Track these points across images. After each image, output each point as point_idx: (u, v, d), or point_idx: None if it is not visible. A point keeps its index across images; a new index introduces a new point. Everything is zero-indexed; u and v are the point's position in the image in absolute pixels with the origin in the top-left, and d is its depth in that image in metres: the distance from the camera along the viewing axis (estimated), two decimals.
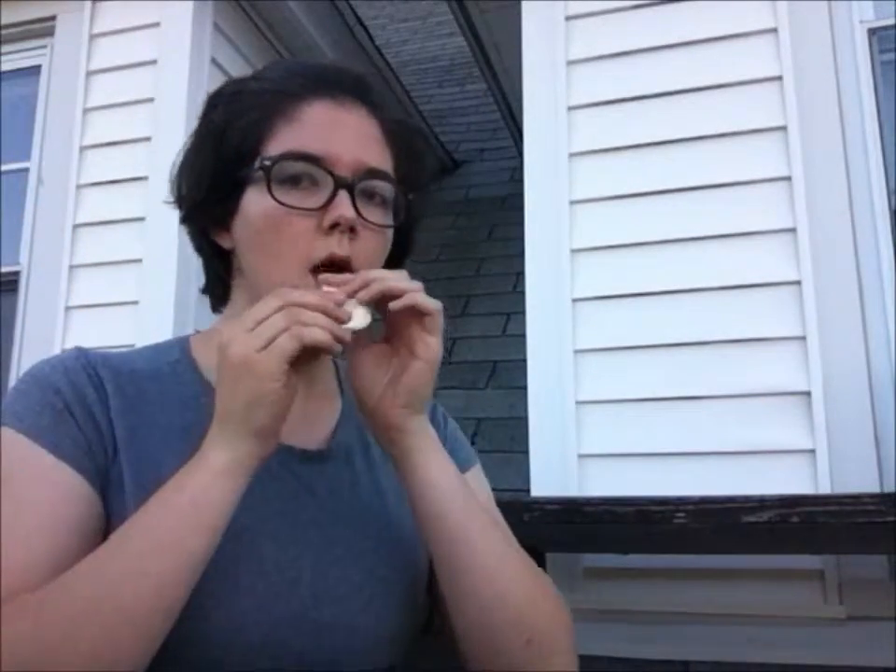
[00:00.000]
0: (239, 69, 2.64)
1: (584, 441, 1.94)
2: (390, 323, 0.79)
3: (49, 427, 0.75)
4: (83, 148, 2.57)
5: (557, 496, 1.82)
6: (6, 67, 2.77)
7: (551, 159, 2.12)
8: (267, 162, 0.79)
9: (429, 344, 0.77)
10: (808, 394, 1.82)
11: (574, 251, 2.05)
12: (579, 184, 2.09)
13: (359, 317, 0.74)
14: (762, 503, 1.54)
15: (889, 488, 1.70)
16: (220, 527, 0.69)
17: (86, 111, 2.60)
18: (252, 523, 0.76)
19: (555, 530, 1.69)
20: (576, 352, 1.99)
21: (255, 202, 0.81)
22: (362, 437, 0.91)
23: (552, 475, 1.92)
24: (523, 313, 2.08)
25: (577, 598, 1.81)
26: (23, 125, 2.72)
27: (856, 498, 1.54)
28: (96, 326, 2.40)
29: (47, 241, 2.55)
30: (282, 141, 0.80)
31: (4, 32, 2.74)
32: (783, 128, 1.96)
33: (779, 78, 1.99)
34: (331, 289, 0.75)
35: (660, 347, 1.95)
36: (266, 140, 0.81)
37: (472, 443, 1.01)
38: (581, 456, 1.93)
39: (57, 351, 2.31)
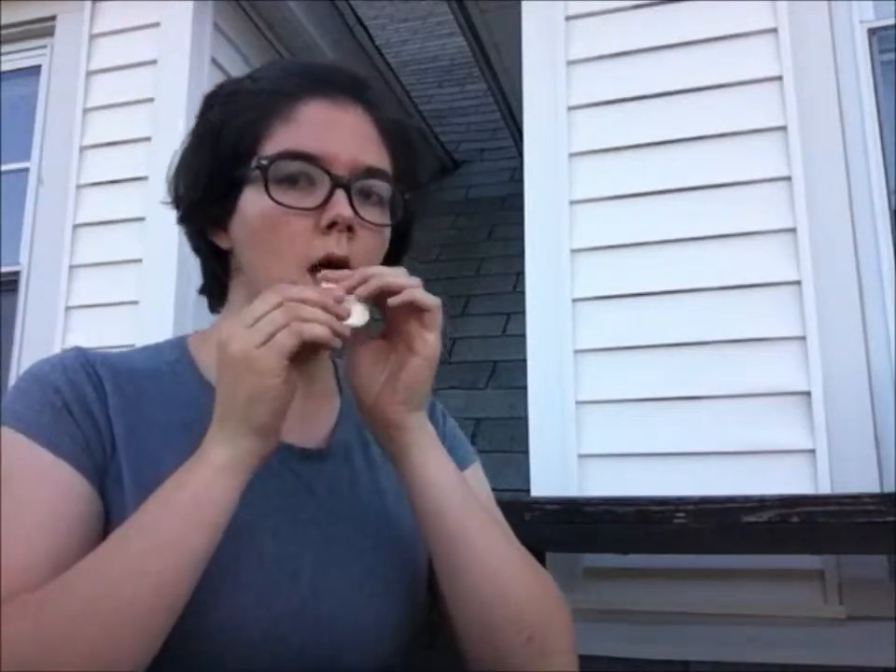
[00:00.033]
0: (239, 69, 2.64)
1: (584, 441, 1.94)
2: (389, 320, 0.80)
3: (49, 425, 0.75)
4: (83, 148, 2.57)
5: (557, 496, 1.82)
6: (6, 67, 2.77)
7: (551, 159, 2.12)
8: (264, 162, 0.79)
9: (428, 341, 0.77)
10: (808, 394, 1.82)
11: (574, 251, 2.05)
12: (579, 184, 2.09)
13: (358, 314, 0.75)
14: (762, 503, 1.54)
15: (889, 488, 1.70)
16: (221, 525, 0.69)
17: (86, 111, 2.60)
18: (252, 520, 0.77)
19: (555, 530, 1.69)
20: (576, 352, 1.99)
21: (252, 201, 0.81)
22: (361, 436, 0.91)
23: (552, 475, 1.92)
24: (523, 313, 2.08)
25: (577, 598, 1.81)
26: (23, 125, 2.72)
27: (856, 498, 1.54)
28: (96, 326, 2.40)
29: (47, 241, 2.55)
30: (279, 141, 0.80)
31: (4, 32, 2.74)
32: (783, 128, 1.96)
33: (779, 78, 1.99)
34: (330, 286, 0.75)
35: (660, 347, 1.95)
36: (263, 140, 0.81)
37: (472, 443, 1.01)
38: (580, 456, 1.93)
39: (57, 351, 2.31)
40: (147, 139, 2.46)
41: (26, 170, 2.68)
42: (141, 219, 2.41)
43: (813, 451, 1.78)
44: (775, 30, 2.03)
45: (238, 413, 0.70)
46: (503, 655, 0.77)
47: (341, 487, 0.86)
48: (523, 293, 2.09)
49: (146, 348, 0.91)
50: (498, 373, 2.72)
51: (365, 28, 3.49)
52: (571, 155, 2.11)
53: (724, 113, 2.02)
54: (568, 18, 2.20)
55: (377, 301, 0.77)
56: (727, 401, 1.87)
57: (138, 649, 0.66)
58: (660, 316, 1.96)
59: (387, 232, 0.85)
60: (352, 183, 0.80)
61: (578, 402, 1.96)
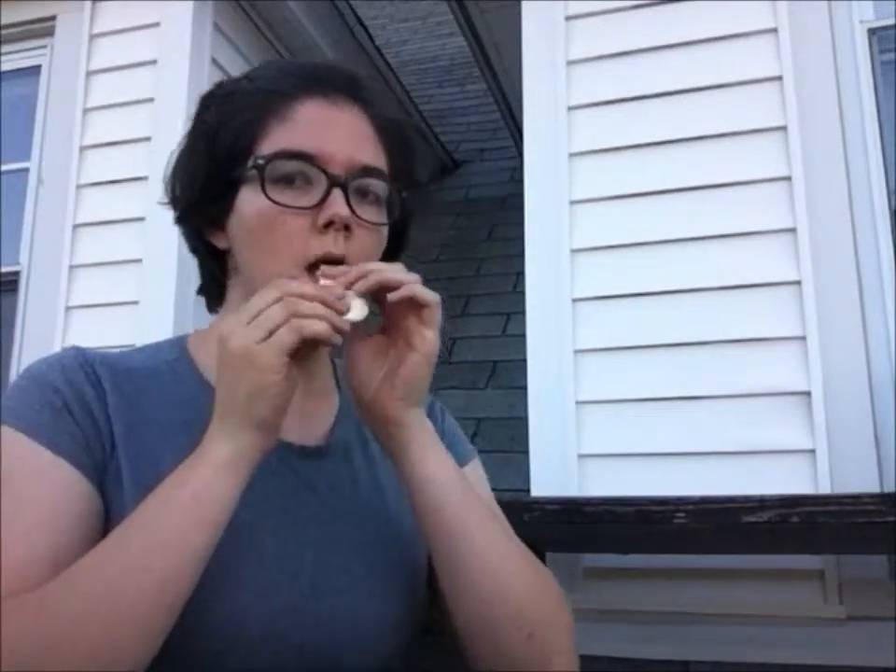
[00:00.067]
0: (239, 69, 2.64)
1: (584, 441, 1.94)
2: (387, 315, 0.80)
3: (48, 424, 0.75)
4: (83, 148, 2.57)
5: (557, 496, 1.82)
6: (6, 67, 2.77)
7: (551, 159, 2.12)
8: (260, 161, 0.79)
9: (427, 337, 0.77)
10: (808, 394, 1.82)
11: (574, 251, 2.05)
12: (579, 184, 2.09)
13: (357, 309, 0.74)
14: (762, 503, 1.54)
15: (889, 488, 1.70)
16: (222, 523, 0.69)
17: (86, 111, 2.60)
18: (252, 518, 0.77)
19: (555, 530, 1.69)
20: (576, 352, 1.99)
21: (249, 201, 0.81)
22: (360, 433, 0.91)
23: (552, 475, 1.92)
24: (523, 313, 2.08)
25: (577, 598, 1.81)
26: (23, 125, 2.72)
27: (856, 498, 1.54)
28: (96, 326, 2.40)
29: (47, 241, 2.55)
30: (275, 140, 0.81)
31: (4, 32, 2.74)
32: (783, 128, 1.96)
33: (779, 78, 1.99)
34: (328, 282, 0.75)
35: (660, 347, 1.95)
36: (259, 140, 0.81)
37: (472, 443, 1.01)
38: (580, 456, 1.93)
39: (57, 351, 2.30)
40: (147, 139, 2.46)
41: (26, 170, 2.67)
42: (141, 219, 2.41)
43: (813, 451, 1.78)
44: (775, 30, 2.03)
45: (239, 409, 0.70)
46: (503, 653, 0.77)
47: (341, 485, 0.86)
48: (523, 293, 2.09)
49: (144, 348, 0.91)
50: (498, 373, 2.72)
51: (365, 28, 3.49)
52: (571, 155, 2.11)
53: (724, 113, 2.02)
54: (568, 18, 2.20)
55: (376, 296, 0.77)
56: (727, 401, 1.87)
57: (138, 648, 0.66)
58: (660, 316, 1.96)
59: (385, 231, 0.85)
60: (349, 182, 0.80)
61: (578, 402, 1.96)
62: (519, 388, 2.30)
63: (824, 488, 1.75)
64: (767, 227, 1.93)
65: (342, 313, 0.72)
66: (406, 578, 0.86)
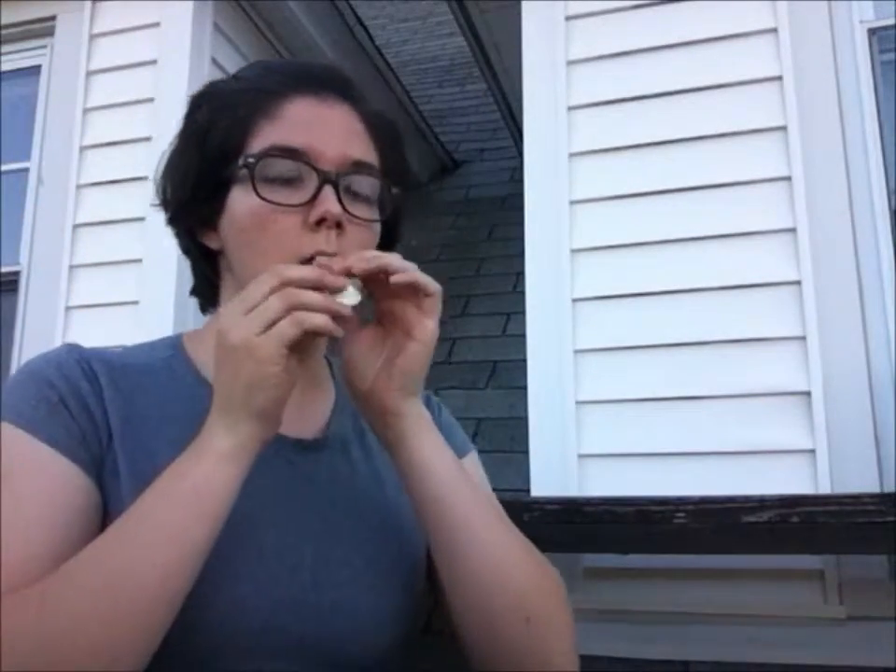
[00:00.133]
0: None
1: (584, 441, 1.94)
2: (383, 305, 0.79)
3: (45, 419, 0.75)
4: (83, 148, 2.57)
5: (557, 496, 1.82)
6: (6, 67, 2.77)
7: (551, 159, 2.12)
8: (251, 160, 0.79)
9: (427, 326, 0.77)
10: (808, 394, 1.81)
11: (574, 251, 2.05)
12: (579, 184, 2.09)
13: (352, 294, 0.74)
14: (762, 503, 1.54)
15: (889, 488, 1.70)
16: (222, 516, 0.69)
17: (86, 111, 2.60)
18: (251, 511, 0.77)
19: (555, 530, 1.69)
20: (576, 352, 1.99)
21: (240, 200, 0.81)
22: (357, 426, 0.91)
23: (552, 475, 1.92)
24: (523, 313, 2.08)
25: (577, 598, 1.80)
26: (23, 125, 2.72)
27: (856, 498, 1.54)
28: (96, 326, 2.40)
29: (47, 241, 2.55)
30: (265, 138, 0.81)
31: (4, 32, 2.74)
32: (783, 128, 1.96)
33: (779, 78, 1.99)
34: (325, 263, 0.75)
35: (660, 347, 1.95)
36: (249, 138, 0.81)
37: (472, 443, 1.02)
38: (580, 456, 1.93)
39: None
40: (147, 139, 2.46)
41: (26, 170, 2.67)
42: (141, 219, 2.40)
43: (813, 451, 1.78)
44: (775, 30, 2.02)
45: (238, 401, 0.70)
46: (502, 641, 0.77)
47: (339, 477, 0.86)
48: (523, 293, 2.08)
49: (139, 346, 0.91)
50: (498, 373, 2.72)
51: (365, 28, 3.48)
52: (571, 155, 2.11)
53: (724, 113, 2.02)
54: (568, 18, 2.20)
55: (370, 289, 0.77)
56: (727, 401, 1.87)
57: (138, 644, 0.66)
58: (660, 316, 1.96)
59: (377, 227, 0.86)
60: (340, 178, 0.80)
61: (578, 402, 1.96)
62: (519, 388, 2.30)
63: (824, 488, 1.75)
64: (767, 227, 1.93)
65: (340, 289, 0.72)
66: (406, 570, 0.86)
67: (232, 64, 2.71)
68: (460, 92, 4.95)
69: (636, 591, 1.88)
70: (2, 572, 0.67)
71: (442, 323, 0.79)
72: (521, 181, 2.18)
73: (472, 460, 0.96)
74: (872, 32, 2.02)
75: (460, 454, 0.90)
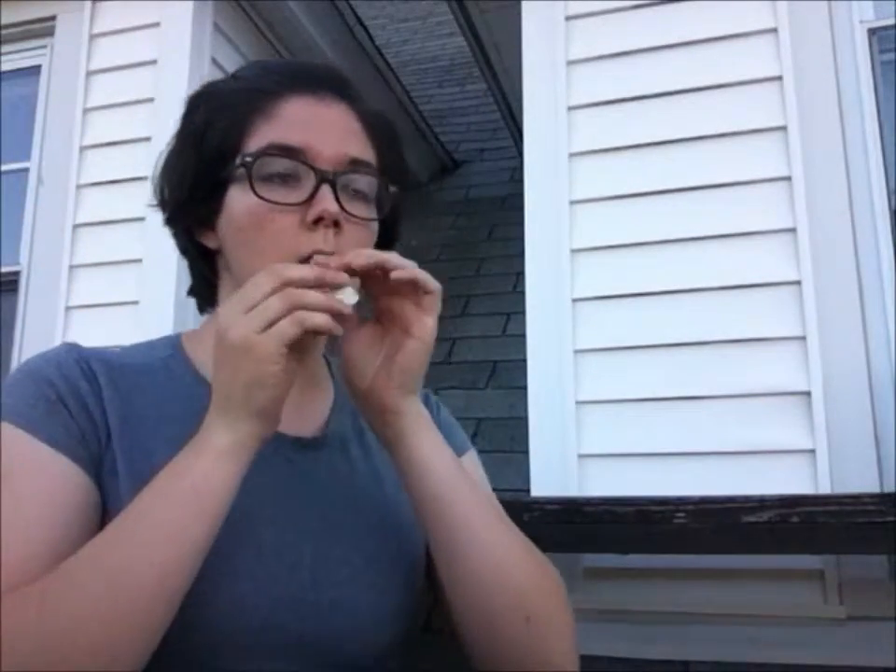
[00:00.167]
0: None
1: (584, 441, 1.94)
2: (382, 303, 0.79)
3: (44, 418, 0.75)
4: (83, 148, 2.57)
5: (557, 496, 1.82)
6: (6, 67, 2.77)
7: (551, 159, 2.12)
8: (248, 159, 0.79)
9: (426, 324, 0.77)
10: (808, 394, 1.81)
11: (574, 251, 2.05)
12: (579, 184, 2.09)
13: (350, 295, 0.74)
14: (762, 503, 1.54)
15: (889, 488, 1.70)
16: (221, 514, 0.69)
17: (86, 111, 2.60)
18: (250, 509, 0.76)
19: (555, 530, 1.69)
20: (576, 352, 1.99)
21: (238, 199, 0.81)
22: (356, 425, 0.91)
23: (552, 475, 1.92)
24: (523, 313, 2.08)
25: (577, 598, 1.80)
26: (23, 125, 2.72)
27: (856, 498, 1.54)
28: (96, 326, 2.40)
29: (47, 241, 2.55)
30: (262, 137, 0.81)
31: (4, 32, 2.74)
32: (783, 128, 1.96)
33: (779, 78, 1.99)
34: (322, 261, 0.75)
35: (660, 347, 1.95)
36: (246, 138, 0.81)
37: (472, 443, 1.02)
38: (580, 456, 1.93)
39: None
40: (147, 139, 2.46)
41: (26, 170, 2.67)
42: (141, 219, 2.40)
43: (813, 451, 1.78)
44: (775, 30, 2.02)
45: (238, 399, 0.70)
46: (502, 640, 0.77)
47: (338, 476, 0.86)
48: (523, 293, 2.08)
49: (138, 345, 0.92)
50: (498, 373, 2.72)
51: (365, 28, 3.48)
52: (571, 155, 2.11)
53: (724, 113, 2.02)
54: (568, 18, 2.20)
55: (368, 286, 0.77)
56: (727, 401, 1.87)
57: (137, 643, 0.65)
58: (660, 316, 1.96)
59: (375, 226, 0.86)
60: (337, 177, 0.80)
61: (578, 402, 1.96)
62: (519, 388, 2.30)
63: (824, 488, 1.75)
64: (767, 227, 1.93)
65: (340, 284, 0.72)
66: (405, 568, 0.86)
67: (232, 64, 2.70)
68: (460, 92, 4.95)
69: (636, 591, 1.88)
70: (2, 571, 0.67)
71: (442, 320, 0.79)
72: (521, 181, 2.18)
73: (471, 459, 0.96)
74: (872, 32, 2.02)
75: (459, 452, 0.90)
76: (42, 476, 0.73)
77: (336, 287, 0.72)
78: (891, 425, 1.76)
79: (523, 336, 2.07)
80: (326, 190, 0.79)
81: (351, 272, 0.74)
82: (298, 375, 0.73)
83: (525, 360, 2.03)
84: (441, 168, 4.18)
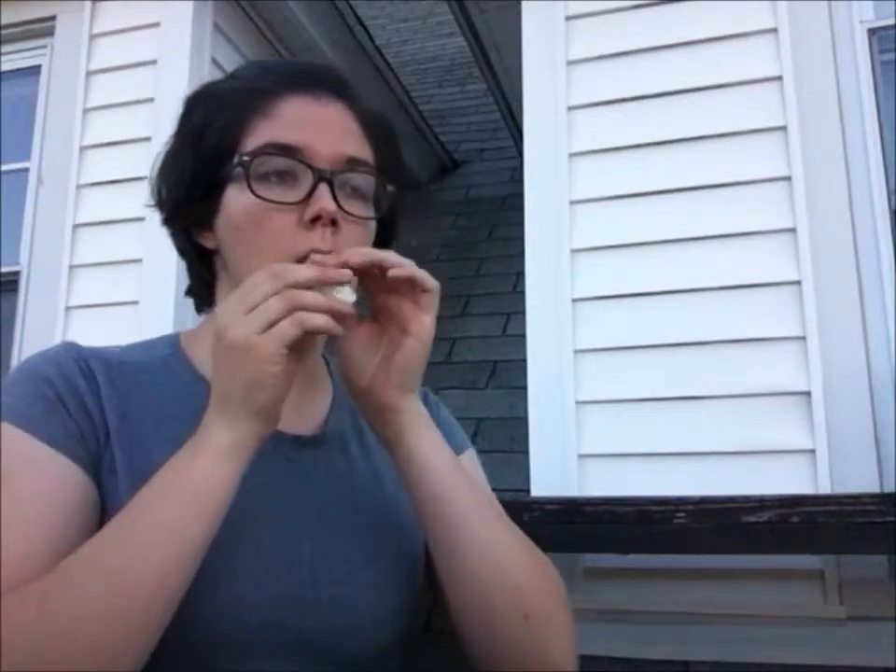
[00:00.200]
0: None
1: (584, 441, 1.94)
2: (379, 302, 0.79)
3: (42, 417, 0.75)
4: (83, 148, 2.57)
5: (557, 496, 1.82)
6: (6, 67, 2.77)
7: (551, 159, 2.12)
8: (246, 158, 0.79)
9: (424, 322, 0.77)
10: (808, 394, 1.81)
11: (574, 251, 2.05)
12: (579, 184, 2.09)
13: (348, 294, 0.74)
14: (762, 503, 1.54)
15: (889, 488, 1.70)
16: (221, 513, 0.69)
17: (86, 111, 2.60)
18: (249, 507, 0.76)
19: (555, 530, 1.69)
20: (576, 352, 1.99)
21: (236, 199, 0.81)
22: (355, 423, 0.91)
23: (552, 475, 1.92)
24: (523, 313, 2.08)
25: (577, 598, 1.80)
26: (23, 125, 2.72)
27: (856, 498, 1.54)
28: (96, 326, 2.40)
29: (47, 241, 2.55)
30: (260, 136, 0.81)
31: (4, 32, 2.74)
32: (783, 128, 1.96)
33: (779, 78, 1.99)
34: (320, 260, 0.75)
35: (660, 347, 1.95)
36: (244, 137, 0.81)
37: (472, 443, 1.02)
38: (580, 456, 1.93)
39: None
40: (147, 139, 2.45)
41: (26, 170, 2.67)
42: (141, 219, 2.40)
43: (813, 451, 1.78)
44: (775, 30, 2.02)
45: (237, 398, 0.70)
46: (501, 638, 0.77)
47: (337, 474, 0.86)
48: (523, 293, 2.08)
49: (137, 344, 0.92)
50: (498, 373, 2.72)
51: (365, 28, 3.48)
52: (571, 155, 2.11)
53: (724, 113, 2.02)
54: (568, 18, 2.20)
55: (365, 284, 0.77)
56: (727, 401, 1.87)
57: (136, 642, 0.65)
58: (660, 316, 1.96)
59: (372, 226, 0.86)
60: (335, 176, 0.80)
61: (578, 402, 1.96)
62: (519, 388, 2.30)
63: (824, 488, 1.75)
64: (767, 227, 1.93)
65: (338, 281, 0.72)
66: (405, 566, 0.86)
67: (232, 64, 2.70)
68: (460, 92, 4.95)
69: (636, 591, 1.88)
70: (2, 571, 0.67)
71: (442, 320, 0.79)
72: (521, 181, 2.18)
73: (470, 458, 0.96)
74: (872, 32, 2.02)
75: (458, 451, 0.90)
76: (41, 475, 0.73)
77: (338, 284, 0.72)
78: (891, 425, 1.76)
79: (523, 336, 2.07)
80: (323, 189, 0.79)
81: (349, 268, 0.74)
82: (297, 375, 0.73)
83: (525, 360, 2.03)
84: (441, 168, 4.18)
